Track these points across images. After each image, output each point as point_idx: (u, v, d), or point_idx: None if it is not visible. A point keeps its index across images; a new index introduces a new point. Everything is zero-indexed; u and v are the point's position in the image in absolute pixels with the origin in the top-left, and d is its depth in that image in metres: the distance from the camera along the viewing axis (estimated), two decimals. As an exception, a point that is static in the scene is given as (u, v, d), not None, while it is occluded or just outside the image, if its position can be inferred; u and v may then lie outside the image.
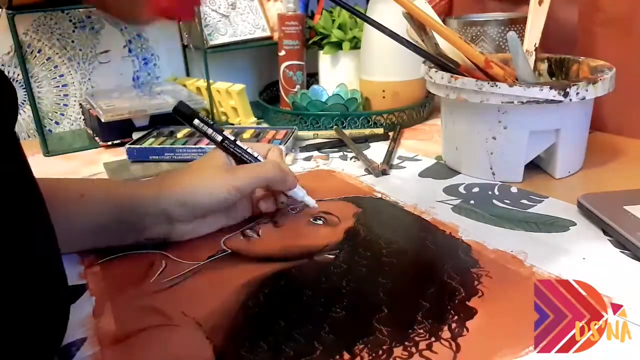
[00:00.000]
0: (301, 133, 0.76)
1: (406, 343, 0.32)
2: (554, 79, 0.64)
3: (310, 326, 0.34)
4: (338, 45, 0.86)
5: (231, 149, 0.48)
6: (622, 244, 0.42)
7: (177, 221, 0.45)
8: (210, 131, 0.48)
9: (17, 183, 0.26)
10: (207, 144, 0.69)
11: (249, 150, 0.48)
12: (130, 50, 0.95)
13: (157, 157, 0.69)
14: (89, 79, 0.92)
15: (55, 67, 0.89)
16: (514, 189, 0.55)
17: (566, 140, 0.55)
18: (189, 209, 0.44)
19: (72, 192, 0.43)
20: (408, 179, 0.59)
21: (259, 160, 0.48)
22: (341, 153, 0.69)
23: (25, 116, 0.88)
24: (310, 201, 0.50)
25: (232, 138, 0.48)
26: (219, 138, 0.48)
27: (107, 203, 0.43)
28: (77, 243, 0.44)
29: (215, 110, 0.87)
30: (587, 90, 0.51)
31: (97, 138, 0.79)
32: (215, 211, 0.46)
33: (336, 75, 0.88)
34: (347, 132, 0.74)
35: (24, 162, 0.27)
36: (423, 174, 0.61)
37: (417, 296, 0.37)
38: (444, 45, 0.58)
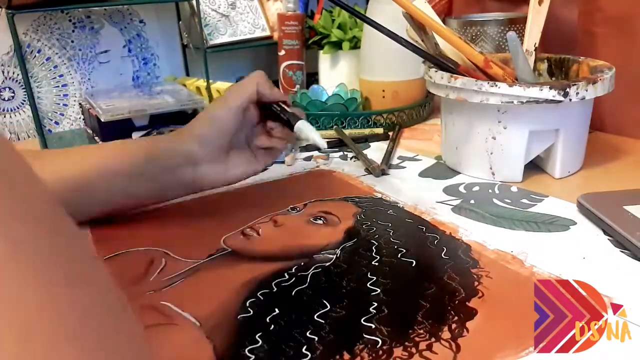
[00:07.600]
0: (301, 133, 0.75)
1: (406, 343, 0.32)
2: (553, 79, 0.64)
3: (310, 326, 0.34)
4: (338, 45, 0.86)
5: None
6: (622, 244, 0.42)
7: (201, 162, 0.48)
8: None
9: None
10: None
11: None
12: (130, 50, 0.95)
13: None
14: (89, 78, 0.92)
15: (55, 67, 0.89)
16: (514, 189, 0.55)
17: (566, 140, 0.55)
18: (206, 143, 0.48)
19: (109, 144, 0.52)
20: (408, 179, 0.59)
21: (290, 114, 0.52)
22: (341, 153, 0.69)
23: (25, 116, 0.88)
24: (318, 139, 0.48)
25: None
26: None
27: (139, 149, 0.49)
28: (119, 190, 0.48)
29: (215, 110, 0.87)
30: (587, 90, 0.51)
31: (96, 138, 0.79)
32: (228, 138, 0.49)
33: (336, 75, 0.88)
34: (347, 132, 0.74)
35: None
36: (423, 174, 0.61)
37: (417, 296, 0.37)
38: (443, 45, 0.58)
